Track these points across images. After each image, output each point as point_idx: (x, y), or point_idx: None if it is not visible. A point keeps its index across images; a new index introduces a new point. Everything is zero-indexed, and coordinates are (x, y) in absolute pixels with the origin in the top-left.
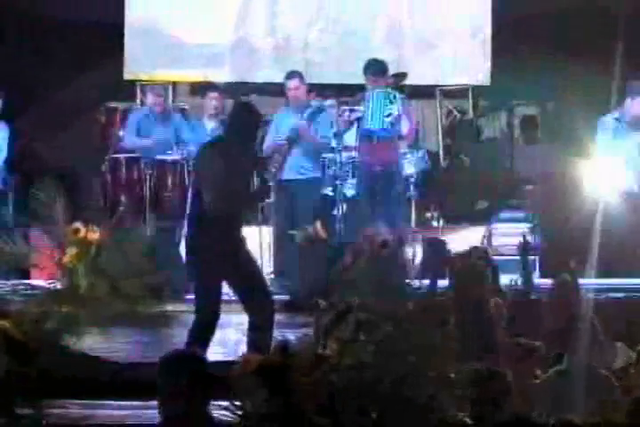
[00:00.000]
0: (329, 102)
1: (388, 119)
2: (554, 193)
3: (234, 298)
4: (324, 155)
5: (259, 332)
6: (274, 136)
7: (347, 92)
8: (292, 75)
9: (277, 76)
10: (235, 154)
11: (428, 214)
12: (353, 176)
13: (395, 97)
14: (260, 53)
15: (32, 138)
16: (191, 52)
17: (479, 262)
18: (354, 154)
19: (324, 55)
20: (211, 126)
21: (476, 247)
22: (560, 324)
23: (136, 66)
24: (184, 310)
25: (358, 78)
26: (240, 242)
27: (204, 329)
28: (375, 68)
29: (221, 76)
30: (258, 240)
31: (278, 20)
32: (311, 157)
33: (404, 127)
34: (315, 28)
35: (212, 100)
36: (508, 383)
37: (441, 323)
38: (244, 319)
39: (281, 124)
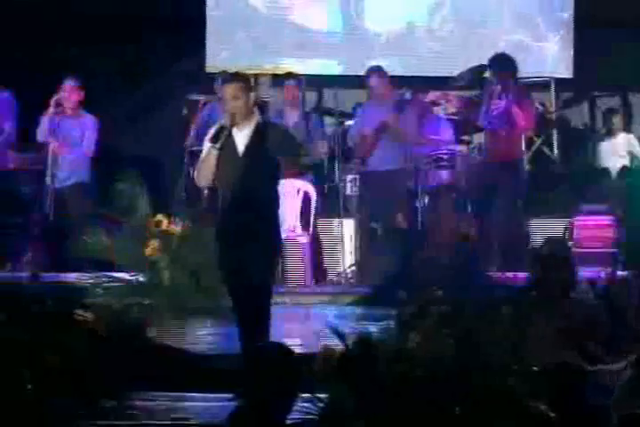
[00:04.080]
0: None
1: (494, 115)
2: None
3: (315, 290)
4: (408, 147)
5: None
6: (359, 128)
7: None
8: (370, 71)
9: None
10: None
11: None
12: (437, 168)
13: (507, 93)
14: (375, 42)
15: (115, 131)
16: (285, 43)
17: (560, 251)
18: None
19: (448, 44)
20: (293, 119)
21: (553, 239)
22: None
23: (218, 58)
24: None
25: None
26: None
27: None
28: (500, 62)
29: (332, 67)
30: (339, 233)
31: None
32: (395, 149)
33: (518, 119)
34: (438, 15)
35: (288, 90)
36: (587, 376)
37: (522, 314)
38: (325, 311)
39: (367, 116)
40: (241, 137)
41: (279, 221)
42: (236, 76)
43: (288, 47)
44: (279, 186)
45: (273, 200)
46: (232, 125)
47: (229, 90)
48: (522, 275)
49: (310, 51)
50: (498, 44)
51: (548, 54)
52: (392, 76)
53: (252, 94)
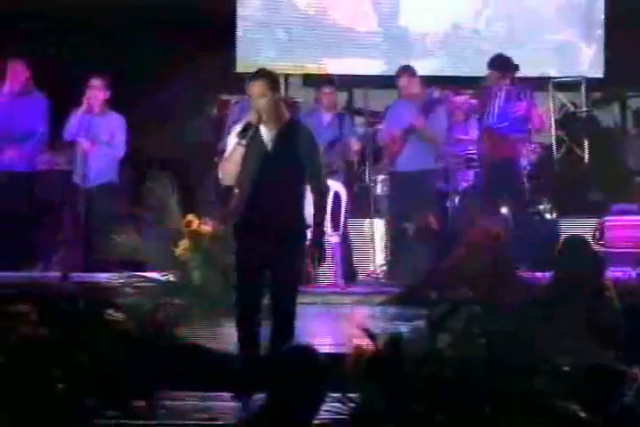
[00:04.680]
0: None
1: (515, 116)
2: None
3: (346, 290)
4: (438, 147)
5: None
6: (389, 127)
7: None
8: (401, 71)
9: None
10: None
11: (541, 206)
12: (467, 168)
13: (525, 94)
14: (420, 42)
15: (146, 130)
16: (328, 43)
17: (587, 251)
18: (466, 146)
19: (492, 44)
20: (326, 119)
21: (573, 236)
22: None
23: (249, 58)
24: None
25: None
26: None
27: (244, 320)
28: (502, 63)
29: (376, 68)
30: (369, 232)
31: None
32: (425, 149)
33: (535, 121)
34: (483, 15)
35: (326, 95)
36: (622, 377)
37: (553, 315)
38: (354, 311)
39: (396, 116)
40: (269, 135)
41: (305, 221)
42: (262, 74)
43: (331, 47)
44: (306, 186)
45: (299, 200)
46: (258, 123)
47: (255, 87)
48: (548, 275)
49: (353, 51)
50: (542, 43)
51: (586, 54)
52: (438, 77)
53: (279, 93)
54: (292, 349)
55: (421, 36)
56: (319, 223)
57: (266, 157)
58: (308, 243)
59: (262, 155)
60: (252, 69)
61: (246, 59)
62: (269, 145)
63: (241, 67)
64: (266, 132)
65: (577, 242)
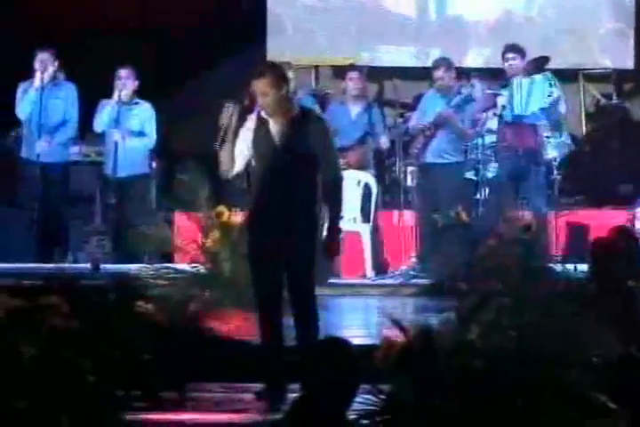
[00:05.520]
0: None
1: (547, 103)
2: None
3: (374, 282)
4: (468, 139)
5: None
6: (419, 118)
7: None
8: (436, 64)
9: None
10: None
11: (572, 198)
12: (495, 160)
13: (554, 82)
14: (473, 31)
15: (176, 122)
16: (382, 33)
17: (622, 243)
18: (496, 138)
19: (545, 33)
20: (356, 111)
21: (619, 227)
22: None
23: (279, 50)
24: (325, 294)
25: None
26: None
27: (264, 313)
28: (510, 49)
29: (430, 57)
30: (399, 224)
31: None
32: (454, 141)
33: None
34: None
35: (352, 81)
36: None
37: (583, 307)
38: (385, 303)
39: (427, 107)
40: (277, 128)
41: (318, 212)
42: (265, 71)
43: (385, 37)
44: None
45: (311, 191)
46: (266, 119)
47: (259, 85)
48: (583, 267)
49: (406, 40)
50: (592, 32)
51: (632, 44)
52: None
53: (286, 86)
54: (325, 340)
55: (474, 23)
56: (335, 217)
57: (274, 150)
58: (323, 238)
59: (271, 148)
60: (283, 59)
61: (276, 50)
62: (278, 138)
63: (271, 57)
64: (274, 126)
65: (618, 235)
